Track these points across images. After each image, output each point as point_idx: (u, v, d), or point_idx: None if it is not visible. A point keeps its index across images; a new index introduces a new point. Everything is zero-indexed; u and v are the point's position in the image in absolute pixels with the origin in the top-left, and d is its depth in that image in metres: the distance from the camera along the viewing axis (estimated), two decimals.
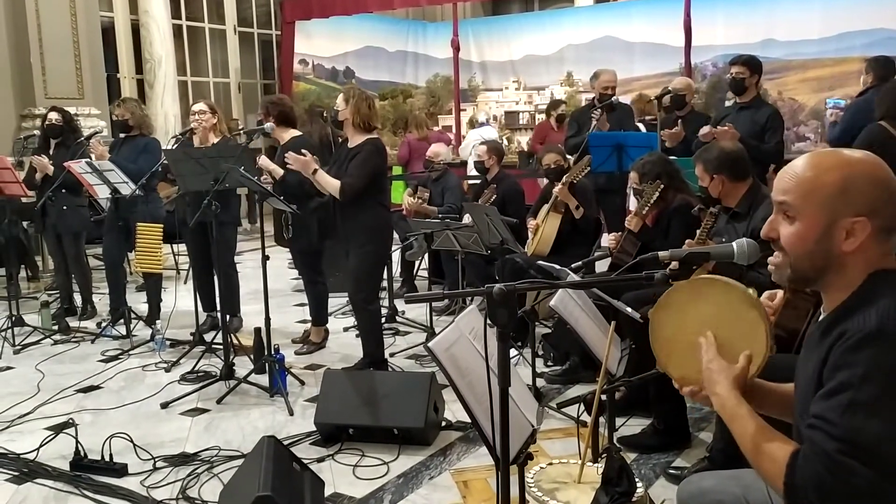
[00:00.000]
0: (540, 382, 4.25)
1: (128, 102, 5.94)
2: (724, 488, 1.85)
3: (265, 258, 4.41)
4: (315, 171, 4.36)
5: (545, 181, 5.65)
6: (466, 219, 5.72)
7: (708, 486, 1.90)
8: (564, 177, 5.06)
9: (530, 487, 2.25)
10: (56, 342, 5.46)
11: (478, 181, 6.50)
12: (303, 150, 4.45)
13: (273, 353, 4.31)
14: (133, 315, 5.54)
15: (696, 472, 2.70)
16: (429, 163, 6.55)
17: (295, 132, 5.09)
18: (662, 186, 4.07)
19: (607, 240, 4.47)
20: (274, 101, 5.26)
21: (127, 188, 5.31)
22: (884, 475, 1.36)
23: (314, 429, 3.71)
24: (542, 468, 2.40)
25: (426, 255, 6.52)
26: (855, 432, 1.37)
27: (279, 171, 4.74)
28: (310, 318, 5.37)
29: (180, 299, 5.72)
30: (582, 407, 3.34)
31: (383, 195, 4.55)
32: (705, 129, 5.08)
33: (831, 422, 1.40)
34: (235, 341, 4.72)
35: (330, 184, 4.35)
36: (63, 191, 5.72)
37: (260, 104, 5.16)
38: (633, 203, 5.01)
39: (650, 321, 1.89)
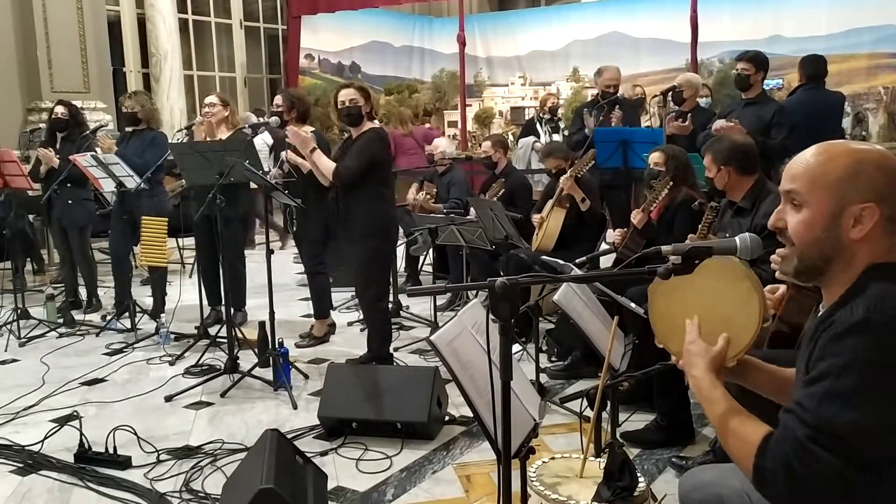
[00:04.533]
0: (543, 378, 4.25)
1: (138, 95, 5.94)
2: (725, 481, 1.85)
3: (269, 252, 4.42)
4: (313, 149, 4.33)
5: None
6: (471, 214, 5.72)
7: (709, 479, 1.90)
8: (569, 170, 5.05)
9: (532, 481, 2.25)
10: (61, 335, 5.48)
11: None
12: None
13: (277, 346, 4.32)
14: (138, 308, 5.56)
15: (699, 465, 2.70)
16: (430, 156, 6.54)
17: (309, 127, 5.09)
18: (671, 183, 4.07)
19: (612, 236, 4.47)
20: (299, 96, 5.25)
21: (132, 182, 5.31)
22: (851, 465, 1.36)
23: (318, 422, 3.72)
24: (544, 462, 2.39)
25: (431, 250, 6.53)
26: (827, 421, 1.38)
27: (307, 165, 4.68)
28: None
29: (185, 293, 5.74)
30: (585, 402, 3.35)
31: (385, 188, 4.41)
32: (720, 123, 5.05)
33: (806, 408, 1.41)
34: (240, 335, 4.73)
35: (326, 166, 4.32)
36: (69, 184, 5.74)
37: (283, 96, 5.11)
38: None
39: (649, 297, 1.95)
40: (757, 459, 1.45)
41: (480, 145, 6.35)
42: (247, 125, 5.43)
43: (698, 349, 1.73)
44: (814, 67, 5.74)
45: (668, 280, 1.83)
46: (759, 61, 5.26)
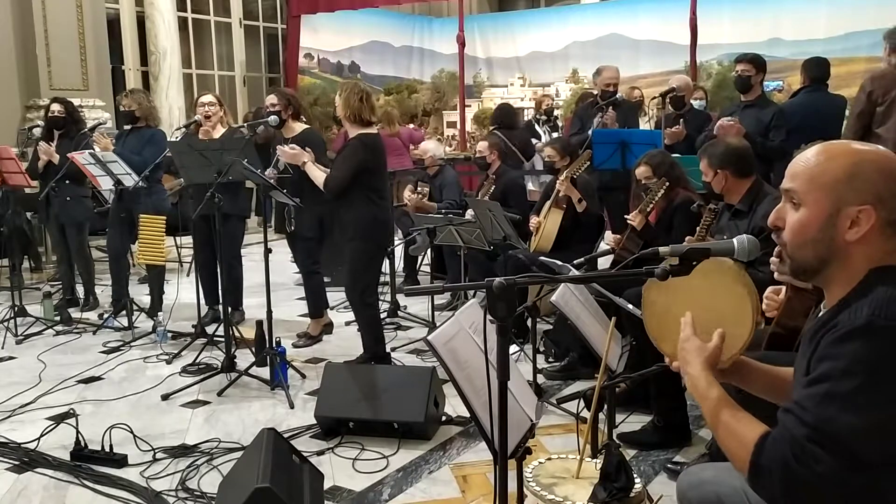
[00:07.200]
0: (540, 378, 4.25)
1: (135, 93, 5.93)
2: (723, 480, 1.85)
3: (267, 251, 4.41)
4: (304, 163, 4.37)
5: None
6: (469, 214, 5.72)
7: (707, 478, 1.91)
8: (566, 171, 5.05)
9: (528, 482, 2.25)
10: (58, 333, 5.48)
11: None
12: (292, 144, 4.51)
13: (274, 346, 4.32)
14: (135, 307, 5.55)
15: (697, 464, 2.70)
16: (420, 161, 6.56)
17: (303, 125, 5.13)
18: (668, 184, 4.07)
19: (610, 238, 4.47)
20: (291, 94, 5.31)
21: (130, 180, 5.30)
22: (848, 467, 1.36)
23: (314, 422, 3.72)
24: (540, 463, 2.39)
25: (429, 251, 6.53)
26: (826, 422, 1.37)
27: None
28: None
29: (182, 291, 5.73)
30: (582, 403, 3.35)
31: (374, 192, 4.36)
32: (725, 120, 5.02)
33: (805, 408, 1.41)
34: (237, 334, 4.73)
35: (317, 177, 4.36)
36: (66, 182, 5.73)
37: (278, 95, 5.13)
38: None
39: (643, 297, 1.93)
40: (753, 457, 1.45)
41: (476, 145, 6.37)
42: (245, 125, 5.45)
43: (694, 346, 1.72)
44: (818, 70, 5.73)
45: (659, 283, 1.84)
46: (758, 63, 5.28)
